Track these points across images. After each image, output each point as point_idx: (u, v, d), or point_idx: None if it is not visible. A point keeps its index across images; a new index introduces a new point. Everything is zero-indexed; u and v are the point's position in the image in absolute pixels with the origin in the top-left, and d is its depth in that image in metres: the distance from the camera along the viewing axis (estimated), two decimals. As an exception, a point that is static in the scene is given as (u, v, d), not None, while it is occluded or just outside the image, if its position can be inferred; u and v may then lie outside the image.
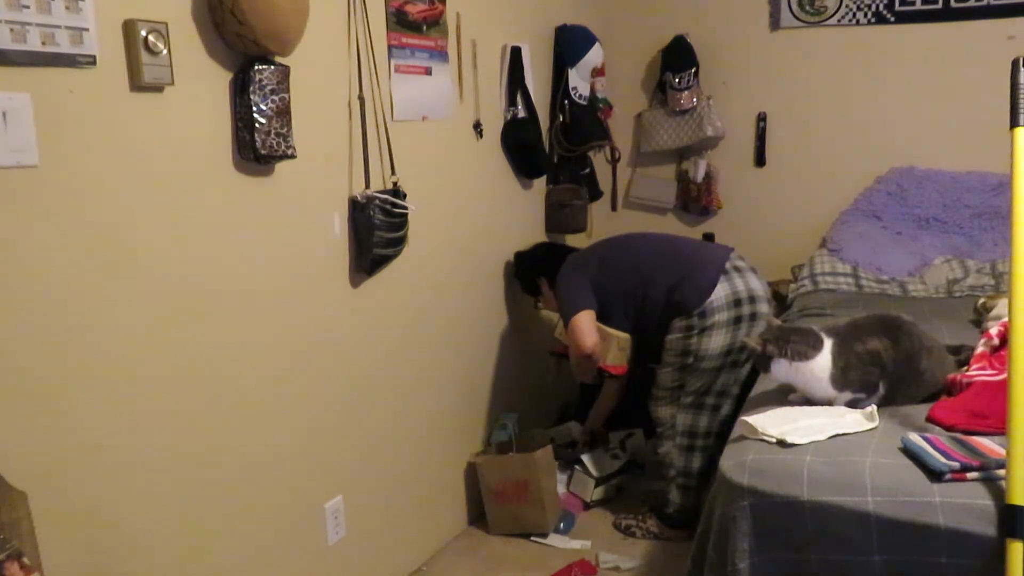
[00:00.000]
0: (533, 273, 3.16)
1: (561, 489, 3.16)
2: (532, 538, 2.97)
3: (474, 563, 2.87)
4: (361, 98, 2.39)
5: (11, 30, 1.51)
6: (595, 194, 3.77)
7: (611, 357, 2.91)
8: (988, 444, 1.68)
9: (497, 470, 2.96)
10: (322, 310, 2.34)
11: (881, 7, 3.47)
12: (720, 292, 2.71)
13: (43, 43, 1.56)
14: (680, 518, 2.88)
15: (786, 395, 2.10)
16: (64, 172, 1.64)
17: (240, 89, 1.98)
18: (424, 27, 2.67)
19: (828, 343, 1.98)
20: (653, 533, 2.93)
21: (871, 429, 1.84)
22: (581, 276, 2.89)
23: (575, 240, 3.63)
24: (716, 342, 2.71)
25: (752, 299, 2.75)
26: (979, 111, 3.20)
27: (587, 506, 3.18)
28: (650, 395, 2.91)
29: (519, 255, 3.25)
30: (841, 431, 1.82)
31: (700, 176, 3.78)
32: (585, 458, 3.19)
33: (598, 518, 3.11)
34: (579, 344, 2.82)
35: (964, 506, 1.57)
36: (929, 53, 3.43)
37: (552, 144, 3.52)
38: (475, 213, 3.04)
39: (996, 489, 1.58)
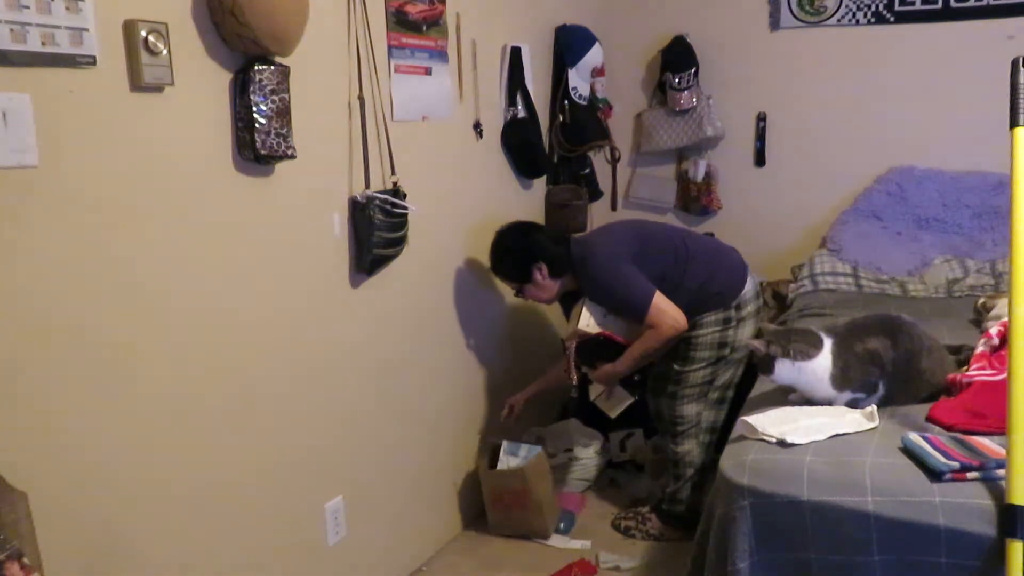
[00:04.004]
0: (530, 257, 2.78)
1: (566, 488, 3.17)
2: (532, 538, 2.97)
3: (474, 563, 2.87)
4: (361, 98, 2.39)
5: (11, 30, 1.51)
6: (595, 194, 3.77)
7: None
8: (988, 444, 1.68)
9: (493, 480, 2.96)
10: (322, 310, 2.34)
11: (881, 7, 3.47)
12: (749, 284, 2.81)
13: (43, 43, 1.56)
14: (689, 516, 2.86)
15: (786, 395, 2.09)
16: (64, 172, 1.64)
17: (240, 89, 1.98)
18: (424, 27, 2.67)
19: (828, 343, 1.98)
20: (653, 535, 2.93)
21: (871, 429, 1.84)
22: (628, 261, 2.69)
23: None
24: (748, 332, 2.76)
25: (760, 293, 2.89)
26: (979, 111, 3.20)
27: (581, 504, 3.17)
28: (671, 394, 2.83)
29: (505, 234, 2.87)
30: (841, 431, 1.82)
31: (700, 176, 3.78)
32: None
33: (598, 518, 3.11)
34: (678, 320, 2.64)
35: (964, 506, 1.57)
36: (929, 53, 3.43)
37: (552, 144, 3.52)
38: (475, 213, 3.05)
39: (996, 489, 1.58)
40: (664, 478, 3.03)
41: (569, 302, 2.96)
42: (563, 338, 2.98)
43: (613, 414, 2.98)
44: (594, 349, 2.85)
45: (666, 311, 2.64)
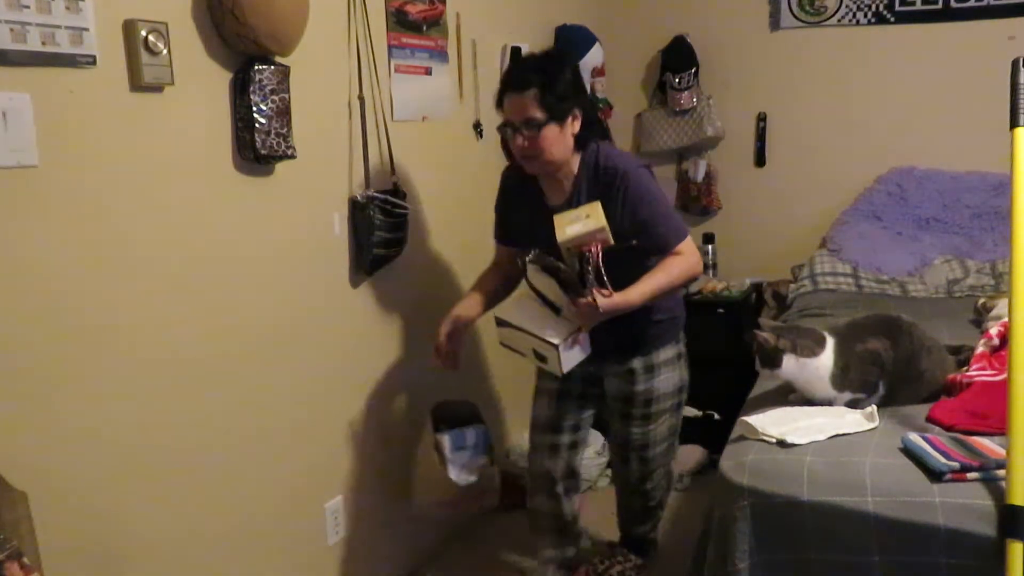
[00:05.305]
0: (581, 97, 2.21)
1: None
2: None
3: (473, 563, 2.87)
4: (361, 98, 2.39)
5: (11, 30, 1.51)
6: (595, 194, 3.76)
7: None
8: (988, 444, 1.68)
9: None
10: (322, 310, 2.34)
11: (881, 7, 3.47)
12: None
13: (43, 43, 1.56)
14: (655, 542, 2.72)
15: (786, 395, 2.09)
16: (64, 172, 1.64)
17: (240, 89, 1.98)
18: (424, 27, 2.67)
19: (830, 342, 1.98)
20: (640, 566, 2.68)
21: (871, 429, 1.84)
22: None
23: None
24: (687, 369, 2.47)
25: None
26: (979, 111, 3.20)
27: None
28: (641, 459, 2.46)
29: (568, 57, 2.36)
30: (841, 431, 1.82)
31: (700, 176, 3.79)
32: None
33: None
34: (700, 260, 2.26)
35: (964, 506, 1.57)
36: (929, 53, 3.43)
37: (552, 144, 3.51)
38: (475, 213, 3.04)
39: (996, 489, 1.57)
40: (623, 515, 2.71)
41: (513, 211, 2.37)
42: (563, 241, 2.10)
43: (566, 368, 2.18)
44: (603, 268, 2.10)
45: (696, 251, 2.23)
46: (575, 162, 2.22)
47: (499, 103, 2.21)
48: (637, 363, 2.34)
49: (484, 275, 2.46)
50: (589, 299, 2.04)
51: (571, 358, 2.17)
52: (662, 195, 2.23)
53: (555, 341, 2.11)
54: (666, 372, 2.36)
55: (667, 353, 2.36)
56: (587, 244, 2.07)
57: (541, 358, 2.20)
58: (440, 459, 2.39)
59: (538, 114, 2.11)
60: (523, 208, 2.33)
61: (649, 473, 2.50)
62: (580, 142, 2.20)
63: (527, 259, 2.15)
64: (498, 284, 2.40)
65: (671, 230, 2.19)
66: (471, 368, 3.09)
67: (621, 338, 2.27)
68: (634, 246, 2.14)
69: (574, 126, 2.17)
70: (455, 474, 2.38)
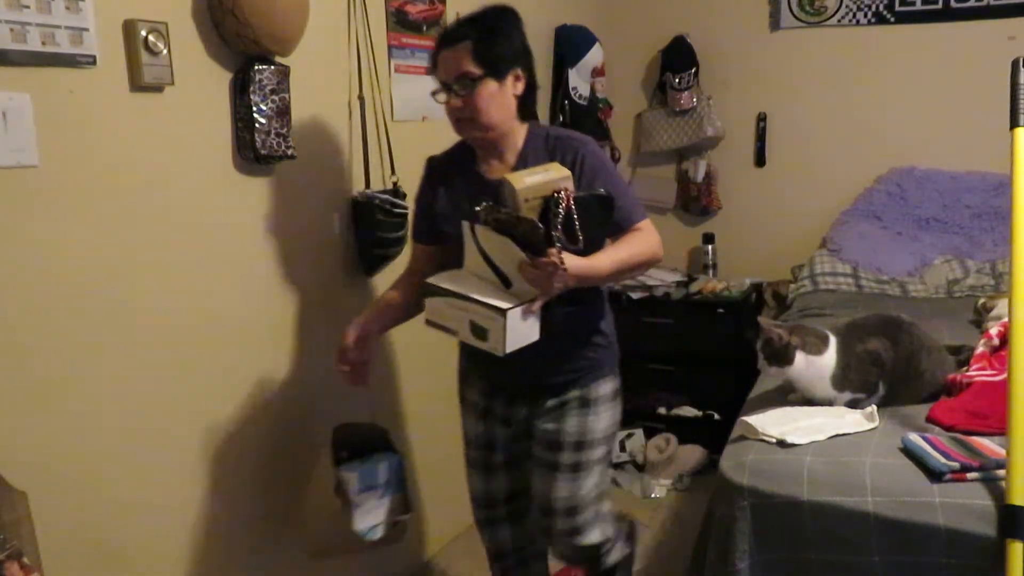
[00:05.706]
0: (523, 57, 1.94)
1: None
2: (532, 538, 2.96)
3: (474, 563, 2.87)
4: (361, 98, 2.39)
5: (11, 30, 1.51)
6: (595, 194, 3.76)
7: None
8: (988, 444, 1.68)
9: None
10: (321, 310, 2.34)
11: (881, 7, 3.47)
12: None
13: (43, 43, 1.57)
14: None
15: (786, 395, 2.09)
16: (64, 172, 1.64)
17: (240, 89, 1.98)
18: (424, 27, 2.67)
19: (833, 341, 1.98)
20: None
21: (871, 429, 1.84)
22: None
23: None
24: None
25: None
26: (979, 111, 3.20)
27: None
28: (572, 530, 2.03)
29: (514, 15, 1.95)
30: (841, 431, 1.82)
31: (700, 176, 3.79)
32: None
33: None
34: (660, 244, 1.93)
35: (964, 506, 1.57)
36: (929, 53, 3.43)
37: (552, 144, 3.50)
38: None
39: (996, 489, 1.58)
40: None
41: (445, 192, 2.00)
42: (522, 189, 1.71)
43: (511, 345, 1.74)
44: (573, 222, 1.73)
45: (655, 232, 1.94)
46: (520, 133, 1.94)
47: (433, 66, 1.90)
48: (573, 394, 2.00)
49: (399, 281, 2.12)
50: (553, 257, 1.65)
51: (518, 334, 1.76)
52: (618, 171, 2.04)
53: (504, 306, 1.71)
54: (602, 410, 2.02)
55: (605, 388, 2.03)
56: (553, 192, 1.74)
57: (480, 333, 1.77)
58: (343, 502, 1.92)
59: (472, 68, 1.82)
60: (455, 186, 1.98)
61: (589, 545, 2.08)
62: (525, 112, 1.94)
63: (477, 210, 1.75)
64: (416, 291, 1.97)
65: (631, 204, 1.92)
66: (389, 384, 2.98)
67: (556, 366, 1.98)
68: (602, 195, 1.79)
69: (516, 87, 1.90)
70: (362, 524, 1.95)
